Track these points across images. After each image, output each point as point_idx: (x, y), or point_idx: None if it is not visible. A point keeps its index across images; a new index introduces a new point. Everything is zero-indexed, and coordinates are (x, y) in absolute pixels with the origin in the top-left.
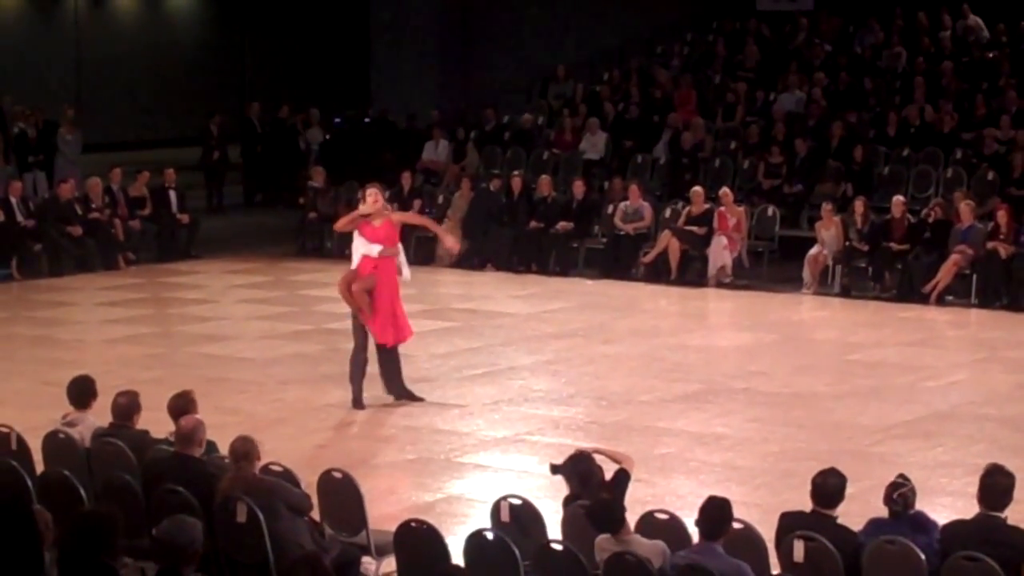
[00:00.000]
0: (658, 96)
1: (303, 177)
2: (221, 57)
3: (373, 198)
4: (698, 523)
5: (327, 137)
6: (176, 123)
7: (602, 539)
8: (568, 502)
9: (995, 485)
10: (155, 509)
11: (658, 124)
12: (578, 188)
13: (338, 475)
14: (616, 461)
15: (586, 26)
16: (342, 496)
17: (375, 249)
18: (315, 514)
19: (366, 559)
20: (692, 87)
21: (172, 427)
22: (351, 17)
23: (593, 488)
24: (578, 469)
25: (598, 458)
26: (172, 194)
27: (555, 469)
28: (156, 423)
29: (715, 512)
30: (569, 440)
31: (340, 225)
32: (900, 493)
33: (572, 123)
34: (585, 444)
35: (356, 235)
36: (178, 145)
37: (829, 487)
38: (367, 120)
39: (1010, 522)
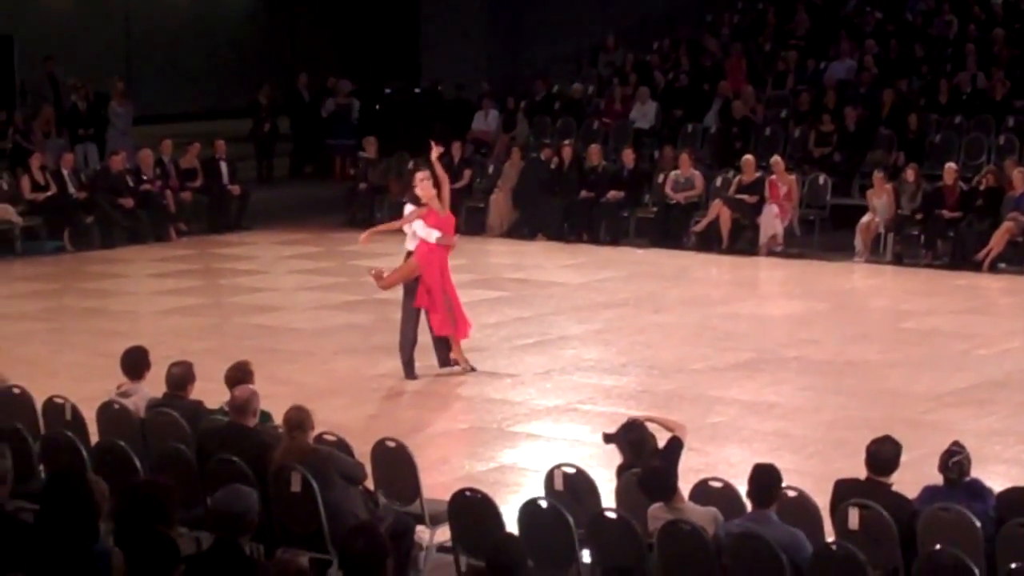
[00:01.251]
0: (708, 65)
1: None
2: (269, 29)
3: (425, 182)
4: (748, 492)
5: (377, 108)
6: (226, 95)
7: (655, 507)
8: (622, 471)
9: None
10: (210, 479)
11: (708, 93)
12: (628, 157)
13: (391, 444)
14: (669, 429)
15: None
16: (396, 465)
17: (433, 235)
18: (369, 483)
19: (420, 528)
20: (742, 55)
21: (226, 397)
22: None
23: (646, 456)
24: (630, 437)
25: (651, 426)
26: (223, 165)
27: (608, 438)
28: (210, 393)
29: (763, 478)
30: (621, 409)
31: (404, 222)
32: (955, 461)
33: (622, 92)
34: (638, 413)
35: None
36: (228, 117)
37: (884, 454)
38: (417, 91)
39: None
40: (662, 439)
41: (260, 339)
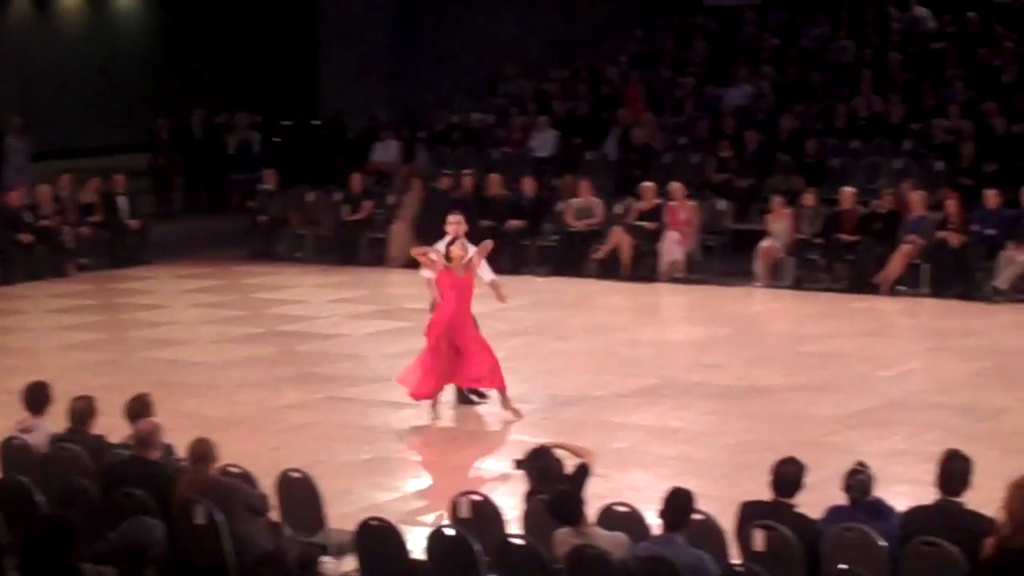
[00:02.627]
0: (607, 93)
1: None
2: (168, 62)
3: (458, 238)
4: (661, 514)
5: (275, 140)
6: (124, 129)
7: (562, 532)
8: (529, 497)
9: (953, 471)
10: (114, 512)
11: (607, 120)
12: (528, 186)
13: (296, 475)
14: (577, 455)
15: (534, 24)
16: (300, 496)
17: (425, 275)
18: (274, 515)
19: (325, 558)
20: (640, 83)
21: (128, 432)
22: (298, 21)
23: (553, 482)
24: (538, 464)
25: (560, 453)
26: (121, 200)
27: (518, 464)
28: (111, 428)
29: (678, 503)
30: (525, 436)
31: (417, 252)
32: (858, 480)
33: (521, 121)
34: (545, 440)
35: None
36: (127, 151)
37: (788, 476)
38: (316, 123)
39: (968, 507)
40: (572, 466)
41: (162, 373)
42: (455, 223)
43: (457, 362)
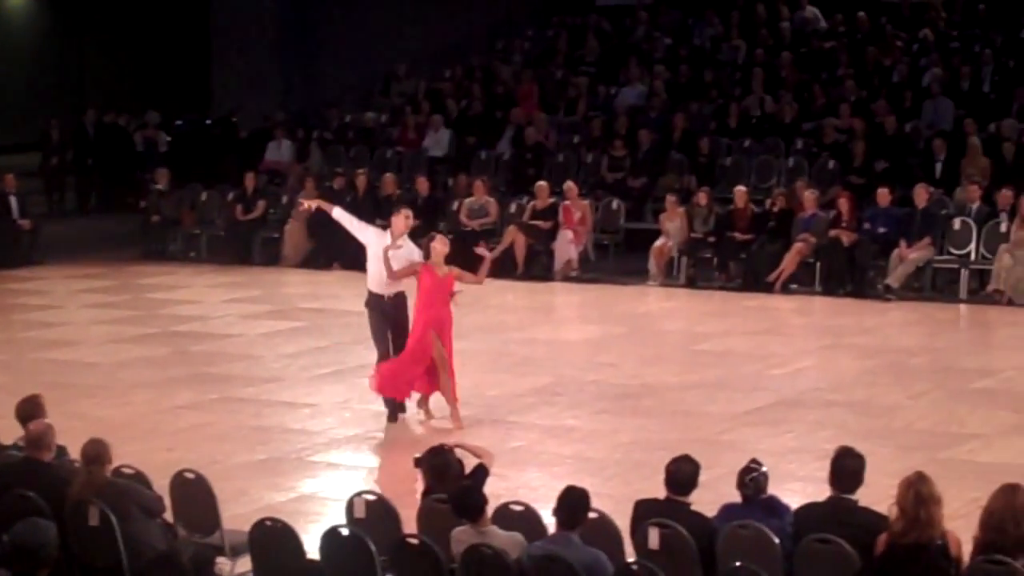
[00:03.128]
0: (500, 92)
1: (145, 180)
2: (60, 62)
3: (441, 244)
4: (556, 513)
5: (169, 140)
6: (15, 129)
7: (459, 531)
8: (425, 496)
9: (845, 468)
10: (5, 515)
11: (501, 120)
12: (422, 185)
13: (190, 476)
14: (477, 456)
15: (427, 24)
16: (195, 497)
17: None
18: (168, 516)
19: (220, 559)
20: (534, 82)
21: (20, 433)
22: (191, 20)
23: (449, 482)
24: (434, 463)
25: (460, 453)
26: (12, 200)
27: (416, 462)
28: (3, 430)
29: (573, 502)
30: (424, 436)
31: (401, 274)
32: (752, 478)
33: (415, 121)
34: (447, 440)
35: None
36: (18, 151)
37: (682, 474)
38: (208, 122)
39: (861, 504)
40: (471, 467)
41: (55, 374)
42: (407, 216)
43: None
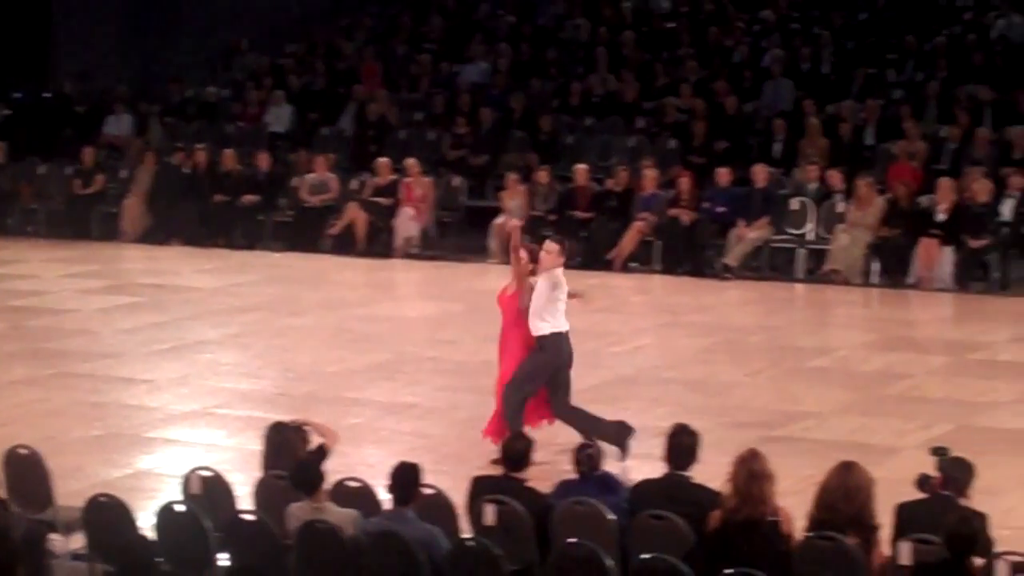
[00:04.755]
0: (343, 68)
1: None
2: None
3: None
4: (390, 489)
5: (7, 112)
6: None
7: (295, 507)
8: (263, 472)
9: (680, 445)
10: None
11: (343, 96)
12: (263, 161)
13: (24, 451)
14: (322, 435)
15: None
16: (28, 473)
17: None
18: (1, 492)
19: (53, 536)
20: (377, 59)
21: None
22: None
23: (287, 458)
24: (274, 439)
25: (308, 430)
26: None
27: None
28: None
29: (405, 477)
30: (258, 413)
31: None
32: (587, 454)
33: (257, 96)
34: (288, 416)
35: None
36: None
37: (515, 450)
38: (46, 95)
39: (696, 480)
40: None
41: None
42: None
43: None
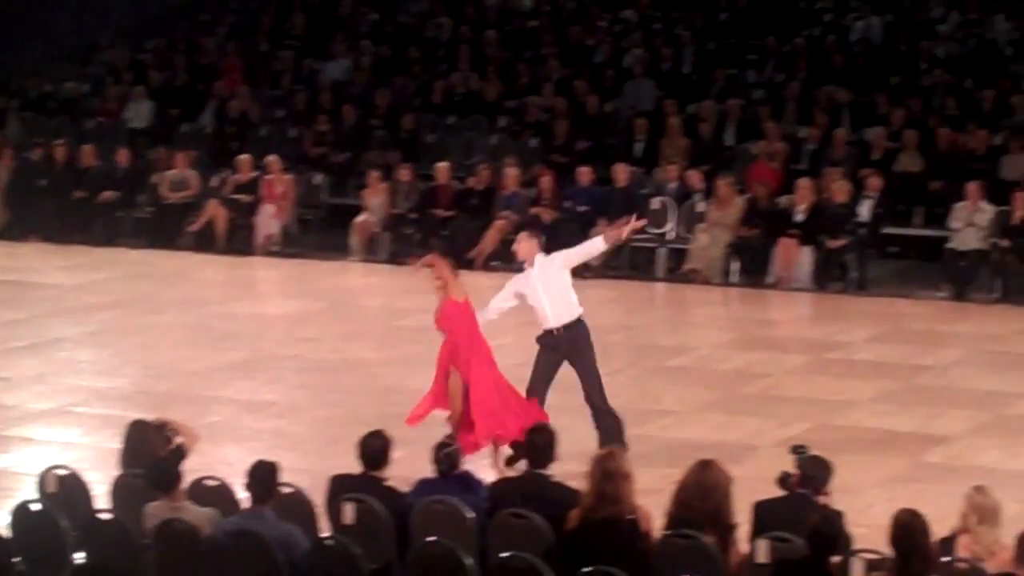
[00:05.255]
0: (204, 64)
1: None
2: None
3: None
4: (247, 487)
5: None
6: None
7: (152, 506)
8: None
9: (537, 443)
10: None
11: (204, 92)
12: (123, 157)
13: None
14: (181, 435)
15: None
16: None
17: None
18: None
19: None
20: (238, 55)
21: None
22: None
23: (143, 458)
24: (131, 437)
25: (169, 430)
26: None
27: None
28: None
29: (262, 476)
30: (116, 411)
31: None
32: (446, 453)
33: (117, 92)
34: (150, 414)
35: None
36: None
37: (373, 449)
38: None
39: (554, 479)
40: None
41: None
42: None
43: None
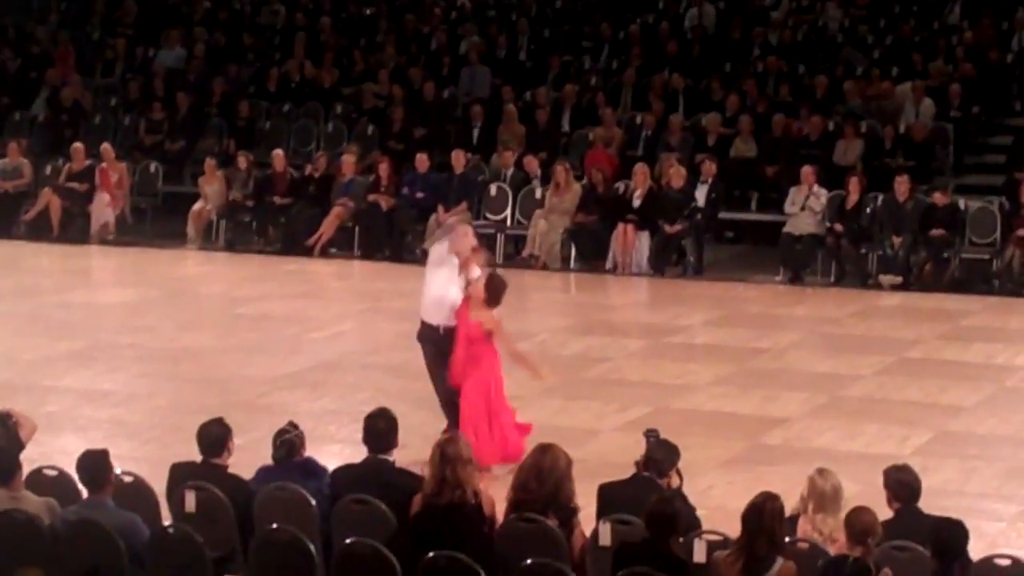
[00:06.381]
0: (35, 52)
1: None
2: None
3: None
4: (79, 476)
5: None
6: None
7: None
8: None
9: (379, 429)
10: None
11: (36, 81)
12: None
13: None
14: (21, 425)
15: None
16: None
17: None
18: None
19: None
20: (70, 43)
21: None
22: None
23: None
24: None
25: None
26: None
27: None
28: None
29: (93, 464)
30: None
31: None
32: (284, 440)
33: None
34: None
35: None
36: None
37: (210, 436)
38: None
39: (396, 465)
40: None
41: None
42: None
43: None
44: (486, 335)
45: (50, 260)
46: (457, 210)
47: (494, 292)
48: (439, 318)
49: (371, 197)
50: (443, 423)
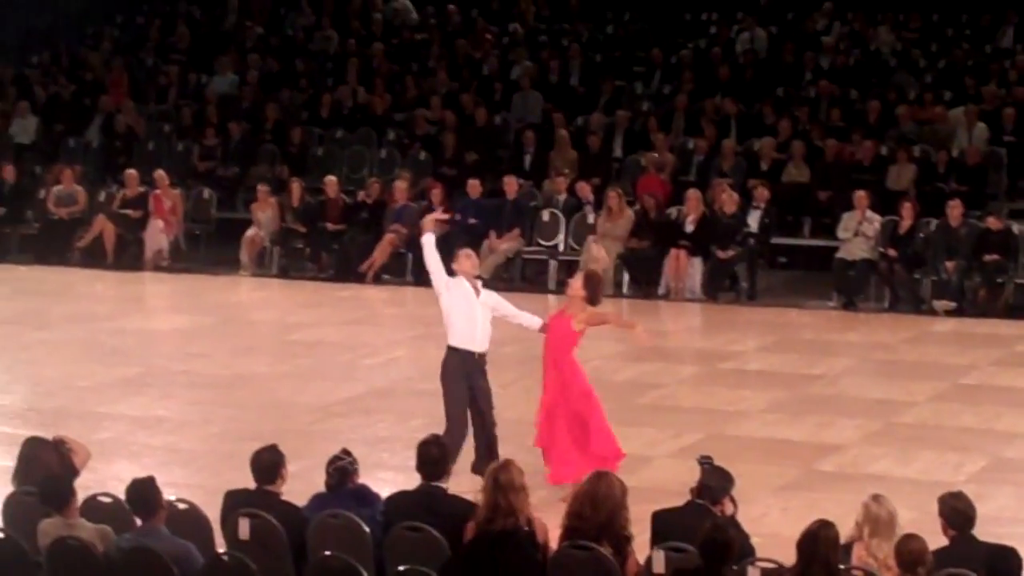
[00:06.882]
0: (89, 79)
1: None
2: None
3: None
4: (129, 504)
5: None
6: None
7: (46, 523)
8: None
9: (431, 456)
10: None
11: (90, 107)
12: (9, 173)
13: None
14: (75, 452)
15: (12, 8)
16: None
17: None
18: None
19: None
20: (124, 70)
21: None
22: None
23: (36, 475)
24: (24, 454)
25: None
26: None
27: None
28: None
29: (143, 492)
30: (7, 428)
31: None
32: (336, 467)
33: (1, 107)
34: (41, 431)
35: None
36: None
37: (264, 463)
38: None
39: (449, 492)
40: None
41: None
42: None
43: None
44: (580, 334)
45: (104, 287)
46: (509, 236)
47: (593, 288)
48: (483, 347)
49: (424, 222)
50: (501, 448)
